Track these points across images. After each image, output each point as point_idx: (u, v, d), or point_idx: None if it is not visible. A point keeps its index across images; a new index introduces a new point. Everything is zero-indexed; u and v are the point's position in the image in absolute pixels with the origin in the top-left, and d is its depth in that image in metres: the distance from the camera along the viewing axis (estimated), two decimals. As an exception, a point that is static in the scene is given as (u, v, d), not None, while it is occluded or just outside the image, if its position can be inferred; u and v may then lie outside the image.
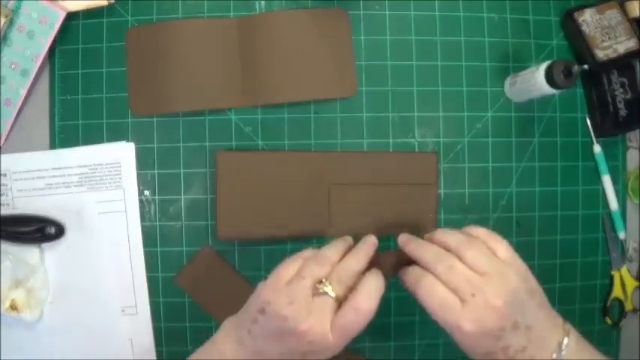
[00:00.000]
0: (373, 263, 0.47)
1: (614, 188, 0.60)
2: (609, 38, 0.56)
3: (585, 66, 0.50)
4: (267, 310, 0.42)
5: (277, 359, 0.43)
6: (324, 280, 0.43)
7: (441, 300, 0.41)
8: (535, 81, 0.52)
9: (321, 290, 0.42)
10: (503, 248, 0.43)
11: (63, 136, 0.56)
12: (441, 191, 0.58)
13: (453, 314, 0.40)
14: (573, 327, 0.43)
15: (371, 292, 0.43)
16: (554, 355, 0.41)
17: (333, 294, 0.42)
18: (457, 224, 0.49)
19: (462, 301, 0.40)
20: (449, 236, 0.45)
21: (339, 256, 0.46)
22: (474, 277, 0.41)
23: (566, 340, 0.41)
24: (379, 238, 0.58)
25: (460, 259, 0.42)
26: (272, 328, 0.42)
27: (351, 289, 0.43)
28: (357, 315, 0.42)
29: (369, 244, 0.48)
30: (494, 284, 0.40)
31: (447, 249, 0.44)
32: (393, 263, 0.48)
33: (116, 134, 0.57)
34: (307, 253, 0.46)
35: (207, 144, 0.57)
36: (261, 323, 0.43)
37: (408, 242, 0.47)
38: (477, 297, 0.40)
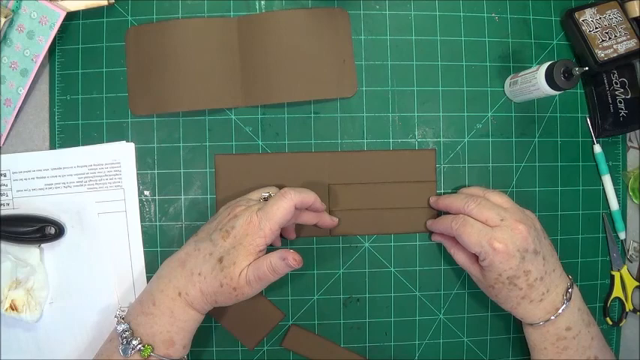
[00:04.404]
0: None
1: (615, 188, 0.60)
2: (609, 38, 0.56)
3: (586, 67, 0.50)
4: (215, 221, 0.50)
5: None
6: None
7: (476, 229, 0.49)
8: (535, 82, 0.52)
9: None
10: None
11: (63, 136, 0.56)
12: (441, 191, 0.58)
13: (487, 236, 0.48)
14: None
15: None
16: (563, 295, 0.50)
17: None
18: (457, 224, 0.51)
19: (493, 226, 0.49)
20: (473, 189, 0.56)
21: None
22: (500, 208, 0.50)
23: (570, 289, 0.50)
24: (380, 238, 0.58)
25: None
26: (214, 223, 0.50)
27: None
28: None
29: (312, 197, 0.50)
30: (517, 214, 0.50)
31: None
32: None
33: (116, 134, 0.57)
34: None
35: (207, 144, 0.57)
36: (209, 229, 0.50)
37: (437, 199, 0.57)
38: (505, 221, 0.49)
